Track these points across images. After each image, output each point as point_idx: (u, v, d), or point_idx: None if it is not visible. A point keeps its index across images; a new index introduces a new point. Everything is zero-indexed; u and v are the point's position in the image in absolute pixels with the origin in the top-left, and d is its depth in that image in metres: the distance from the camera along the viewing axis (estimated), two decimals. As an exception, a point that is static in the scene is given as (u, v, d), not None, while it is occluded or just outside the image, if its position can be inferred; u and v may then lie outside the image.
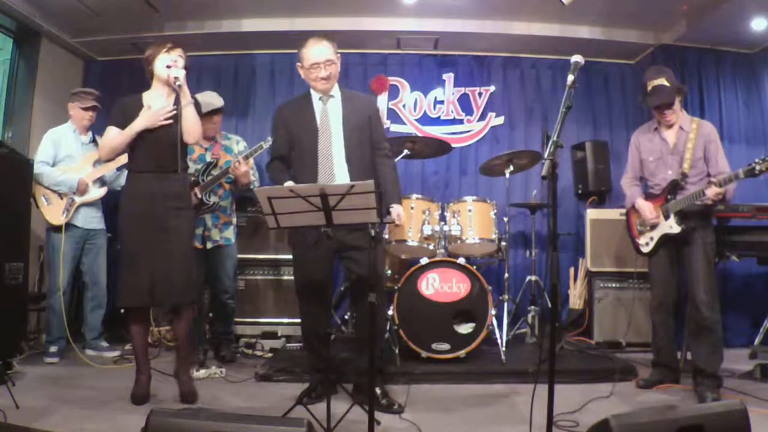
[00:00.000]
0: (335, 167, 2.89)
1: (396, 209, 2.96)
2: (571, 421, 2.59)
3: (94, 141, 4.04)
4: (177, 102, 2.84)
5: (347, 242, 2.85)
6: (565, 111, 2.16)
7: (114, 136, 2.84)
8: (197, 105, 2.91)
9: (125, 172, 3.99)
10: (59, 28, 4.54)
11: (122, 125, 2.85)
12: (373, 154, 2.99)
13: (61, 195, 3.79)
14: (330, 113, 2.94)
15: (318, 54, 2.86)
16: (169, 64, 2.82)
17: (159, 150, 2.82)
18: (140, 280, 2.78)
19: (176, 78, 2.77)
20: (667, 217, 3.13)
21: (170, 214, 2.81)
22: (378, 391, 2.85)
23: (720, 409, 1.92)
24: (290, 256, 4.44)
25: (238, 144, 3.98)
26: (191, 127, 2.83)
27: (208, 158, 3.78)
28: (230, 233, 3.88)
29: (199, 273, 3.34)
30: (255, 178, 3.92)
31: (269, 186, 2.77)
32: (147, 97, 2.91)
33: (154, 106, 2.85)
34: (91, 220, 3.94)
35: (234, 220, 3.95)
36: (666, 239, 3.16)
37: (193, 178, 3.53)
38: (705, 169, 3.12)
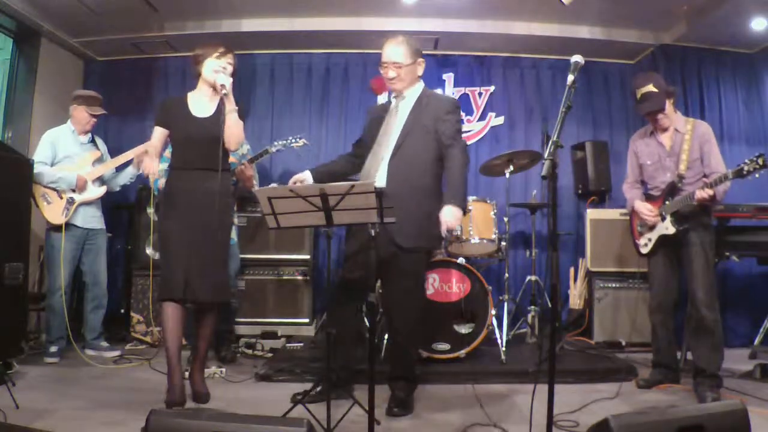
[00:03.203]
0: (380, 166, 2.83)
1: (444, 214, 2.65)
2: (571, 421, 2.59)
3: (93, 141, 4.04)
4: (221, 106, 2.83)
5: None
6: (565, 111, 2.15)
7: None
8: (240, 111, 2.91)
9: (123, 172, 4.05)
10: (59, 28, 4.54)
11: (165, 125, 2.88)
12: (440, 154, 2.83)
13: (60, 194, 3.79)
14: (398, 113, 2.91)
15: (385, 54, 2.86)
16: (217, 69, 2.82)
17: (201, 149, 2.81)
18: (175, 275, 2.75)
19: (222, 86, 2.76)
20: (663, 219, 3.14)
21: (211, 210, 2.76)
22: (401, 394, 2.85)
23: (720, 409, 1.92)
24: (290, 256, 4.50)
25: (242, 147, 3.98)
26: (233, 133, 2.82)
27: None
28: (233, 233, 3.89)
29: None
30: (256, 180, 3.93)
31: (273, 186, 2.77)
32: (192, 97, 2.92)
33: (198, 108, 2.88)
34: (91, 219, 3.93)
35: (235, 221, 3.95)
36: (664, 240, 3.16)
37: None
38: (702, 169, 3.11)
